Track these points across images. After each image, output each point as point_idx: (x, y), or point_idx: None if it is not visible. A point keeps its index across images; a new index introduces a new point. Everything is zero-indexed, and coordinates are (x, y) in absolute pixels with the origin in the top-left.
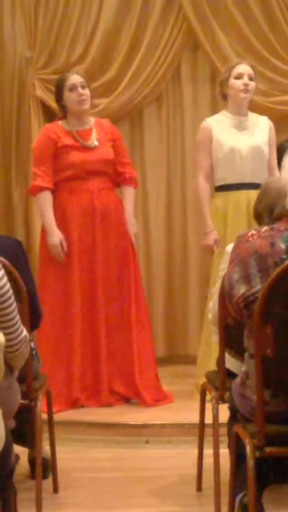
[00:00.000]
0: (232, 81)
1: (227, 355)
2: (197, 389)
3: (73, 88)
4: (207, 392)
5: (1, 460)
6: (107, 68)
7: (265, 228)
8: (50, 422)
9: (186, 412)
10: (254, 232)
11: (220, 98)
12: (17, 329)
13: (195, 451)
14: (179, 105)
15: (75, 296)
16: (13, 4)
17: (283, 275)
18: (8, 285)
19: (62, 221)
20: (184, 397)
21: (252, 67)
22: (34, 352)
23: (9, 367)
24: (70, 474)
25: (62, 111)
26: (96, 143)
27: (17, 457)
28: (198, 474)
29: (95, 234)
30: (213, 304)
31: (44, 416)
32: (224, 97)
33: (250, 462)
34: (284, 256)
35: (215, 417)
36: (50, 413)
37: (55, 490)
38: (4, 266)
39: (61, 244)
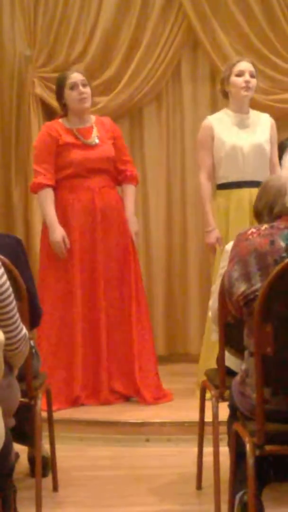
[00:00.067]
0: (233, 78)
1: (227, 353)
2: (198, 387)
3: (74, 86)
4: (207, 390)
5: (1, 459)
6: (106, 66)
7: (265, 226)
8: (50, 420)
9: (186, 410)
10: (254, 230)
11: (221, 96)
12: (17, 327)
13: (195, 449)
14: (179, 103)
15: (75, 294)
16: (13, 2)
17: (283, 273)
18: (8, 283)
19: (63, 219)
20: (184, 395)
21: (253, 64)
22: (34, 351)
23: (9, 366)
24: (70, 473)
25: (63, 109)
26: (97, 141)
27: (17, 455)
28: (198, 472)
29: (96, 233)
30: (212, 302)
31: (44, 414)
32: (225, 95)
33: (250, 460)
34: (284, 254)
35: (215, 415)
36: (50, 411)
37: (55, 488)
38: (4, 264)
39: (64, 240)
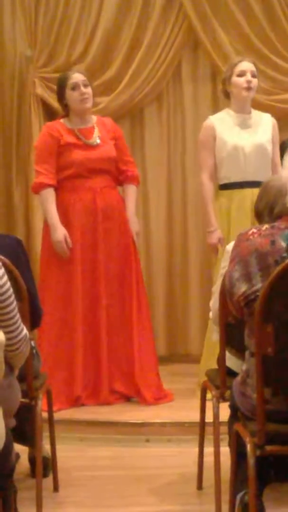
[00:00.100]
0: (235, 78)
1: (227, 354)
2: (199, 387)
3: (75, 87)
4: (208, 391)
5: (2, 459)
6: (107, 66)
7: (265, 226)
8: (51, 421)
9: (187, 410)
10: (254, 230)
11: (223, 96)
12: (18, 328)
13: (196, 450)
14: (179, 103)
15: (76, 294)
16: (13, 3)
17: (283, 274)
18: (8, 283)
19: (64, 220)
20: (185, 395)
21: (254, 64)
22: (34, 351)
23: (9, 366)
24: (70, 473)
25: (64, 109)
26: (98, 141)
27: (18, 456)
28: (199, 472)
29: (97, 233)
30: (213, 302)
31: (45, 415)
32: (227, 95)
33: (251, 461)
34: (285, 254)
35: (216, 415)
36: (50, 412)
37: (55, 488)
38: (4, 265)
39: (66, 240)
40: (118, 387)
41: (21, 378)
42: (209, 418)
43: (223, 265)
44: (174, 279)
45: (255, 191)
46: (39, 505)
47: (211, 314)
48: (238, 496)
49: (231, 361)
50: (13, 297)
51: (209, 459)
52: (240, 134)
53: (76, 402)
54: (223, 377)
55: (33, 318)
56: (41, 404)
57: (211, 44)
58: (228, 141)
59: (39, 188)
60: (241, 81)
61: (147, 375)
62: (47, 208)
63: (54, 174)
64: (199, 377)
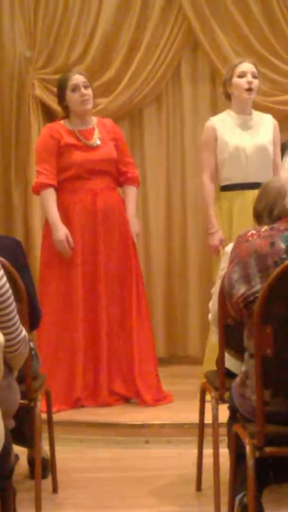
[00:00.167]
0: (236, 80)
1: (227, 355)
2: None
3: (75, 88)
4: (207, 392)
5: (1, 460)
6: (106, 67)
7: (265, 227)
8: (50, 422)
9: (186, 412)
10: (254, 232)
11: (223, 98)
12: (17, 329)
13: (195, 451)
14: (179, 105)
15: (76, 296)
16: (12, 4)
17: (283, 275)
18: (8, 285)
19: (65, 221)
20: (184, 397)
21: (255, 65)
22: (33, 352)
23: (8, 367)
24: (69, 474)
25: (65, 111)
26: (98, 142)
27: (17, 457)
28: (198, 474)
29: (97, 234)
30: (212, 303)
31: (44, 416)
32: (228, 97)
33: (250, 462)
34: (284, 256)
35: (215, 417)
36: (49, 413)
37: (55, 490)
38: (3, 266)
39: (67, 238)
40: (118, 389)
41: (20, 379)
42: (208, 419)
43: (222, 266)
44: (173, 280)
45: (257, 192)
46: (38, 507)
47: (210, 315)
48: (237, 498)
49: (230, 362)
50: (12, 298)
51: (208, 460)
52: (241, 136)
53: (75, 403)
54: (222, 379)
55: (32, 320)
56: (40, 405)
57: (210, 46)
58: (229, 142)
59: (39, 188)
60: (242, 82)
61: (146, 376)
62: (48, 208)
63: (54, 174)
64: (201, 379)
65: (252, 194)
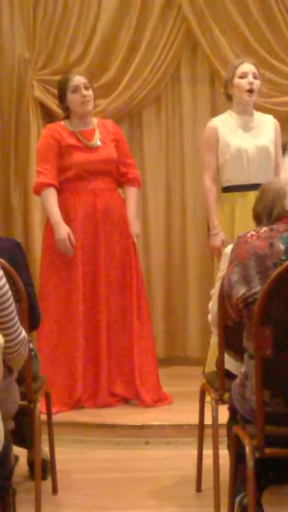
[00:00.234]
0: (237, 80)
1: (226, 356)
2: None
3: (76, 90)
4: (207, 393)
5: (1, 461)
6: (106, 68)
7: (264, 229)
8: (49, 423)
9: (186, 413)
10: (253, 233)
11: (224, 99)
12: (16, 330)
13: (195, 452)
14: (178, 105)
15: (76, 297)
16: (12, 5)
17: (282, 276)
18: (7, 286)
19: (65, 221)
20: (184, 398)
21: (256, 65)
22: (33, 353)
23: (8, 368)
24: (69, 475)
25: (65, 112)
26: (99, 143)
27: (17, 458)
28: (198, 475)
29: (98, 235)
30: (212, 305)
31: (43, 417)
32: (229, 97)
33: (250, 463)
34: (283, 257)
35: (215, 418)
36: (49, 414)
37: (54, 491)
38: (3, 267)
39: (69, 237)
40: (118, 390)
41: (20, 381)
42: (208, 420)
43: (222, 267)
44: (172, 281)
45: None
46: (38, 508)
47: (209, 316)
48: (237, 499)
49: (230, 363)
50: (11, 299)
51: (208, 461)
52: (243, 137)
53: (75, 404)
54: (221, 380)
55: (32, 320)
56: (40, 406)
57: (209, 46)
58: (231, 143)
59: (40, 188)
60: (243, 82)
61: (146, 377)
62: (49, 207)
63: (55, 174)
64: (201, 380)
65: (254, 195)
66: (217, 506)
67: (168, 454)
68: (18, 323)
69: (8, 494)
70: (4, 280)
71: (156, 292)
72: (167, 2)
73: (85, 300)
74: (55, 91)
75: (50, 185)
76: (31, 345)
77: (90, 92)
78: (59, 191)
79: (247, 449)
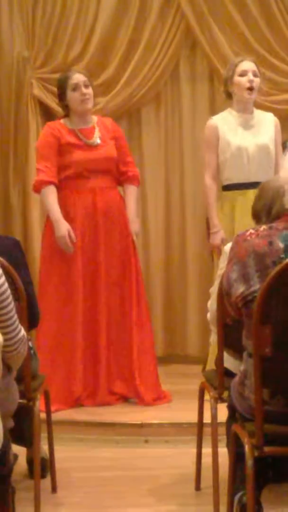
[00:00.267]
0: (237, 78)
1: (226, 355)
2: None
3: (76, 88)
4: (206, 392)
5: (0, 460)
6: (105, 67)
7: (263, 227)
8: (49, 421)
9: (185, 411)
10: (252, 231)
11: (223, 97)
12: (15, 329)
13: (194, 451)
14: (177, 103)
15: (76, 295)
16: (11, 4)
17: (281, 274)
18: (6, 284)
19: (65, 220)
20: (183, 396)
21: (255, 63)
22: (32, 352)
23: (7, 367)
24: (68, 474)
25: (65, 110)
26: (98, 141)
27: (16, 456)
28: (197, 473)
29: (98, 233)
30: (211, 303)
31: (43, 415)
32: (229, 95)
33: (249, 462)
34: (283, 255)
35: (214, 416)
36: (48, 412)
37: (54, 489)
38: (2, 266)
39: (69, 234)
40: (117, 388)
41: (19, 379)
42: (207, 419)
43: (221, 266)
44: (172, 280)
45: None
46: (37, 506)
47: (208, 315)
48: (236, 497)
49: (229, 362)
50: (11, 298)
51: (207, 460)
52: (243, 135)
53: (75, 402)
54: (221, 378)
55: (31, 319)
56: (39, 404)
57: (208, 45)
58: (231, 142)
59: (40, 186)
60: (243, 81)
61: (146, 376)
62: (49, 205)
63: (55, 172)
64: (200, 378)
65: (254, 193)
66: (216, 504)
67: (168, 452)
68: (17, 322)
69: (8, 492)
70: (3, 278)
71: (156, 290)
72: (166, 0)
73: (84, 298)
74: (54, 89)
75: (50, 183)
76: (30, 344)
77: (89, 90)
78: (59, 189)
79: (246, 448)
